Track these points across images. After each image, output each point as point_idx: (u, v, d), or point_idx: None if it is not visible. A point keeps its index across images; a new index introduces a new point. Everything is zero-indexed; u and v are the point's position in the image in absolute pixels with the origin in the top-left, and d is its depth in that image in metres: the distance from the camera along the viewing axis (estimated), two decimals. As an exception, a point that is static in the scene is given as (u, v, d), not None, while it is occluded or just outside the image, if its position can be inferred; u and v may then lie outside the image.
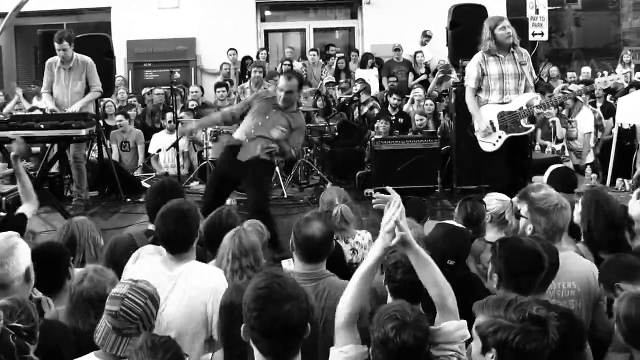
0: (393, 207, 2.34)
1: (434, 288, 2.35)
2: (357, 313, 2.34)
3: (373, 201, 2.43)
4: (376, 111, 8.97)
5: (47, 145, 6.89)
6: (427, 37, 11.02)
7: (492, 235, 3.69)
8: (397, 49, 10.93)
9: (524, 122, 5.35)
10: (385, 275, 2.70)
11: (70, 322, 2.67)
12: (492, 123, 5.41)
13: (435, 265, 2.37)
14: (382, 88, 10.61)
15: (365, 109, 9.12)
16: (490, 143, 5.46)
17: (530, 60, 5.55)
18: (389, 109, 8.79)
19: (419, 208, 4.26)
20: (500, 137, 5.40)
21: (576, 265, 3.07)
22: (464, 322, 2.33)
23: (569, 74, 10.89)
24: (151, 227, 3.46)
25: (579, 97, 8.02)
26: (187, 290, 2.87)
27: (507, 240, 2.84)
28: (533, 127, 5.51)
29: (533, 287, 2.65)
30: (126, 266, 3.10)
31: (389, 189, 2.43)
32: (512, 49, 5.42)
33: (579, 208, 3.49)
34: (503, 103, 5.39)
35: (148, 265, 3.01)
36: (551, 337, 2.05)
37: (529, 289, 2.61)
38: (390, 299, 2.67)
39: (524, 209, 3.31)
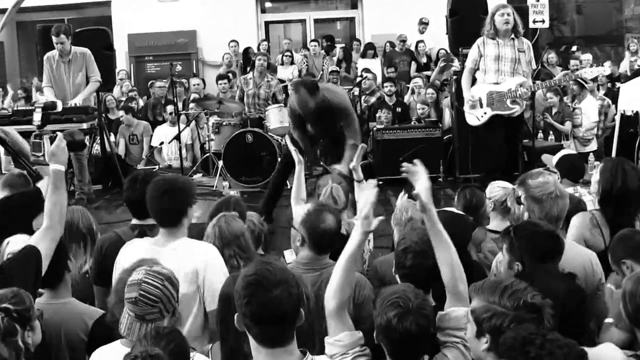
0: (368, 190, 2.33)
1: (448, 270, 2.32)
2: (346, 300, 2.31)
3: (402, 169, 2.42)
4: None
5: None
6: (423, 24, 10.94)
7: (496, 223, 3.69)
8: (403, 40, 10.83)
9: (509, 102, 5.69)
10: (394, 262, 2.65)
11: (109, 309, 2.59)
12: (480, 100, 5.81)
13: (454, 249, 2.34)
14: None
15: (373, 99, 9.09)
16: (475, 116, 5.91)
17: (530, 49, 5.79)
18: (386, 98, 8.77)
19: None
20: (485, 113, 5.83)
21: (573, 254, 3.02)
22: None
23: (572, 62, 10.80)
24: (135, 221, 3.38)
25: (581, 81, 8.01)
26: (177, 261, 2.80)
27: (522, 227, 2.82)
28: (517, 107, 5.74)
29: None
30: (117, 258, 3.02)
31: (417, 161, 2.42)
32: (512, 36, 5.65)
33: (596, 176, 3.50)
34: (497, 83, 5.73)
35: (137, 245, 2.98)
36: (546, 324, 2.05)
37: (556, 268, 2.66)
38: None
39: (522, 195, 3.29)
